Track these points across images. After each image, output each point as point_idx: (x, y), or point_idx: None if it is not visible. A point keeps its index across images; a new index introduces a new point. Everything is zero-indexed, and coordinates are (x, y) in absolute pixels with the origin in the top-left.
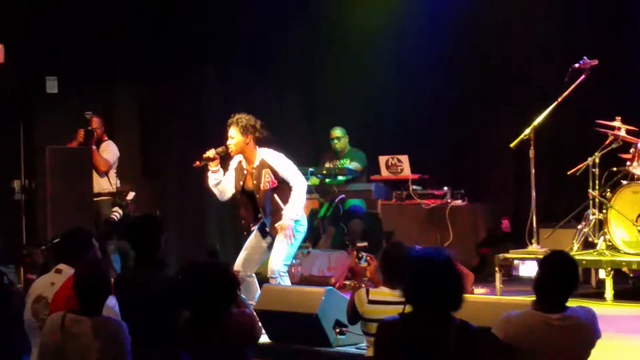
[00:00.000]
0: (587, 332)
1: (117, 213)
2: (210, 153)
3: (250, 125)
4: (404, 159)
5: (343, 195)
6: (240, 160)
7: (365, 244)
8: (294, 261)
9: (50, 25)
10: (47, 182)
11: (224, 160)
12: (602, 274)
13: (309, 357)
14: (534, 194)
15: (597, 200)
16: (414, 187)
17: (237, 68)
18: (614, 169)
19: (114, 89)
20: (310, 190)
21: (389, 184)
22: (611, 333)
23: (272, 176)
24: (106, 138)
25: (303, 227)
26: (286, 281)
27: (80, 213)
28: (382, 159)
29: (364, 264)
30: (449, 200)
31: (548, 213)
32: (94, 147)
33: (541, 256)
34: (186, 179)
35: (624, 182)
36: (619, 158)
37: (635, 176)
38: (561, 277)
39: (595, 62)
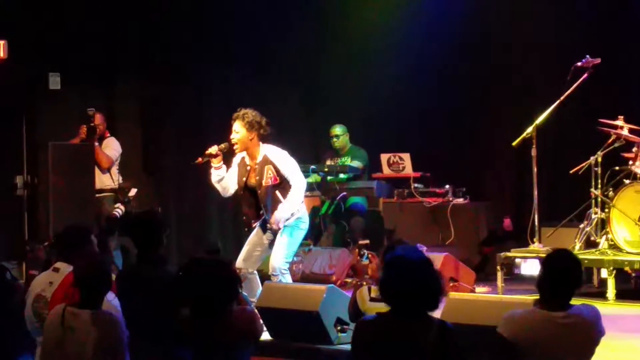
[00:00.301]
0: (591, 330)
1: (119, 209)
2: (213, 149)
3: (255, 121)
4: (406, 156)
5: (344, 193)
6: (244, 157)
7: (367, 241)
8: (295, 258)
9: (53, 21)
10: (50, 178)
11: (227, 156)
12: (604, 273)
13: (310, 355)
14: (536, 192)
15: (599, 199)
16: (416, 185)
17: (238, 65)
18: (617, 168)
19: (116, 86)
20: (311, 187)
21: (390, 182)
22: (613, 333)
23: (274, 173)
24: (108, 134)
25: (305, 225)
26: (287, 278)
27: (82, 209)
28: (384, 157)
29: (365, 261)
30: (451, 199)
31: (550, 212)
32: (96, 144)
33: (543, 255)
34: (188, 176)
35: (627, 181)
36: (622, 157)
37: (638, 175)
38: (565, 276)
39: (598, 60)
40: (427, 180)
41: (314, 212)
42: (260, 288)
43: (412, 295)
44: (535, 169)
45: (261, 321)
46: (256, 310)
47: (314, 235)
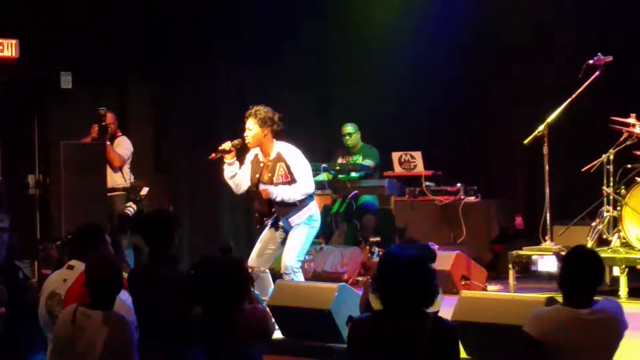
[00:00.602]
0: (616, 325)
1: (131, 208)
2: (227, 145)
3: (268, 118)
4: (417, 155)
5: (356, 192)
6: (257, 154)
7: (377, 239)
8: (307, 257)
9: (64, 20)
10: (62, 177)
11: (240, 152)
12: (616, 271)
13: (321, 353)
14: (547, 190)
15: (611, 197)
16: (427, 183)
17: (250, 64)
18: (629, 166)
19: (127, 85)
20: (323, 186)
21: (402, 180)
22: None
23: (286, 170)
24: (120, 133)
25: (317, 223)
26: (299, 277)
27: (94, 208)
28: (395, 155)
29: (376, 259)
30: (462, 197)
31: (562, 210)
32: (108, 143)
33: (556, 252)
34: (199, 175)
35: (639, 179)
36: (634, 155)
37: None
38: (587, 273)
39: (610, 58)
40: (438, 179)
41: (325, 211)
42: (272, 286)
43: (404, 291)
44: (546, 167)
45: (273, 320)
46: (268, 309)
47: (325, 233)
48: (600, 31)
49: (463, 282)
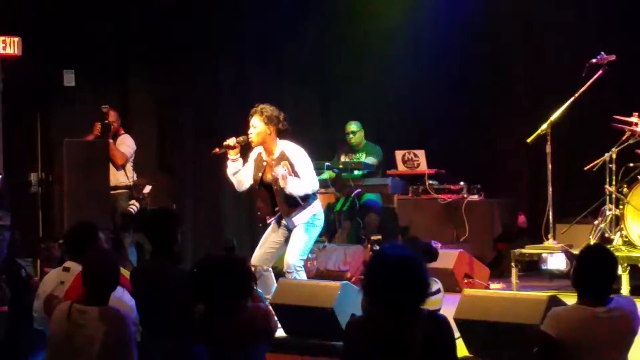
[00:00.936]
0: (632, 321)
1: (134, 206)
2: (231, 141)
3: (274, 116)
4: (421, 153)
5: (359, 190)
6: (260, 152)
7: (379, 237)
8: (310, 255)
9: (67, 18)
10: (64, 175)
11: (244, 150)
12: (618, 269)
13: (324, 352)
14: (550, 189)
15: (613, 195)
16: (430, 181)
17: (253, 62)
18: (631, 164)
19: (130, 83)
20: (326, 184)
21: (405, 179)
22: None
23: (290, 169)
24: (123, 131)
25: (320, 222)
26: (302, 275)
27: (97, 206)
28: (399, 154)
29: None
30: (466, 195)
31: (564, 208)
32: (111, 141)
33: (564, 250)
34: (202, 173)
35: None
36: (636, 154)
37: None
38: (603, 271)
39: (613, 57)
40: (441, 177)
41: (328, 209)
42: (275, 285)
43: (391, 291)
44: (549, 166)
45: (275, 318)
46: (270, 307)
47: (328, 232)
48: (603, 30)
49: (466, 281)
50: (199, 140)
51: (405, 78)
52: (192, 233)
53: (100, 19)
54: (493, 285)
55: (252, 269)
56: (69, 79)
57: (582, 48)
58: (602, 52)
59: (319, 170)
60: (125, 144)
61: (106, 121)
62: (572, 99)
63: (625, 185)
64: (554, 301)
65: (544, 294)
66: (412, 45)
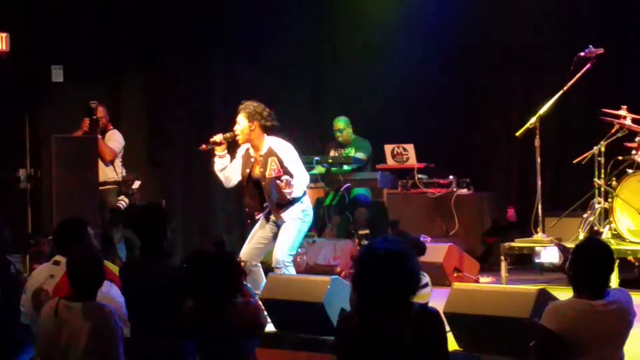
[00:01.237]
0: (628, 314)
1: (123, 202)
2: (218, 137)
3: (256, 112)
4: (410, 147)
5: (349, 184)
6: (248, 148)
7: (367, 231)
8: (299, 250)
9: (55, 13)
10: (53, 171)
11: (232, 147)
12: (615, 262)
13: (314, 346)
14: (539, 182)
15: (602, 189)
16: (420, 175)
17: (243, 56)
18: (620, 157)
19: (119, 78)
20: (315, 179)
21: (394, 173)
22: None
23: (278, 165)
24: (111, 127)
25: (309, 218)
26: (291, 271)
27: (86, 202)
28: (388, 148)
29: None
30: (455, 189)
31: (553, 202)
32: (99, 136)
33: (557, 243)
34: (192, 168)
35: (630, 170)
36: (625, 147)
37: None
38: (600, 264)
39: (601, 50)
40: (431, 171)
41: (318, 204)
42: (264, 280)
43: (379, 285)
44: (538, 159)
45: (265, 313)
46: (260, 302)
47: (318, 226)
48: (591, 23)
49: (455, 274)
50: (188, 135)
51: (394, 72)
52: (181, 229)
53: (89, 14)
54: (482, 279)
55: (242, 264)
56: (57, 74)
57: (571, 42)
58: (590, 46)
59: (308, 165)
60: (114, 140)
61: (95, 117)
62: (561, 92)
63: (614, 179)
64: (544, 295)
65: (533, 288)
66: (401, 40)
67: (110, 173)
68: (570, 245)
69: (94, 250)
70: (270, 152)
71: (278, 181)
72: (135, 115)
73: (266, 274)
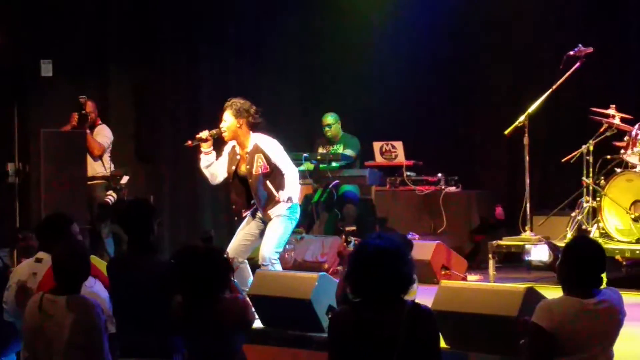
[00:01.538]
0: (618, 314)
1: (111, 197)
2: (204, 134)
3: (243, 109)
4: (399, 145)
5: (337, 181)
6: (234, 145)
7: (353, 228)
8: (287, 246)
9: (45, 8)
10: (41, 165)
11: (218, 144)
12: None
13: (301, 343)
14: (527, 181)
15: (591, 188)
16: (408, 173)
17: (232, 52)
18: (608, 156)
19: (108, 73)
20: (304, 175)
21: (383, 170)
22: None
23: (265, 161)
24: (100, 122)
25: (296, 215)
26: (278, 268)
27: (74, 196)
28: (377, 145)
29: (352, 248)
30: (443, 187)
31: (542, 200)
32: (88, 131)
33: (547, 241)
34: (180, 164)
35: (618, 170)
36: (613, 146)
37: (629, 164)
38: (592, 263)
39: (590, 49)
40: (419, 169)
41: (306, 200)
42: (251, 277)
43: (374, 281)
44: (527, 158)
45: (253, 309)
46: (248, 299)
47: (306, 223)
48: (581, 21)
49: (443, 272)
50: (176, 131)
51: (383, 70)
52: (169, 224)
53: (79, 9)
54: (470, 277)
55: (230, 260)
56: (46, 69)
57: (560, 40)
58: (580, 45)
59: (297, 161)
60: (103, 135)
61: (83, 111)
62: (550, 91)
63: (602, 178)
64: (532, 293)
65: (521, 286)
66: (390, 37)
67: (98, 168)
68: (560, 244)
69: (79, 243)
70: (257, 149)
71: (279, 199)
72: (124, 110)
73: (253, 270)
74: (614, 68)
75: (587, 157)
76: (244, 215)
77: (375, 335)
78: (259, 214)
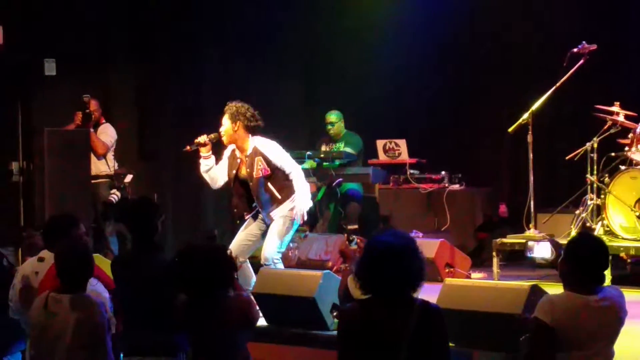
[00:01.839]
0: (620, 311)
1: (115, 195)
2: (202, 138)
3: (239, 113)
4: (402, 142)
5: (340, 179)
6: (234, 149)
7: (355, 226)
8: (291, 245)
9: (48, 7)
10: (45, 164)
11: (218, 148)
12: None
13: (306, 341)
14: (531, 178)
15: (595, 185)
16: (412, 171)
17: (235, 51)
18: (613, 154)
19: (112, 72)
20: (307, 173)
21: (386, 168)
22: None
23: (265, 164)
24: (104, 120)
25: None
26: (280, 267)
27: (78, 195)
28: (380, 143)
29: (354, 246)
30: (447, 185)
31: (546, 198)
32: (92, 130)
33: (550, 239)
34: (184, 162)
35: (622, 167)
36: (618, 143)
37: (634, 161)
38: (595, 260)
39: (594, 46)
40: (423, 167)
41: None
42: (254, 277)
43: (385, 278)
44: (531, 155)
45: (257, 307)
46: (252, 297)
47: (309, 221)
48: (585, 19)
49: (447, 270)
50: (180, 130)
51: (387, 68)
52: (173, 222)
53: (82, 7)
54: (474, 275)
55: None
56: (50, 68)
57: (563, 38)
58: (584, 42)
59: (300, 159)
60: (107, 133)
61: (87, 110)
62: (554, 88)
63: (606, 175)
64: (536, 291)
65: (525, 284)
66: (394, 36)
67: (102, 167)
68: (563, 241)
69: (82, 242)
70: (256, 152)
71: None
72: (127, 109)
73: (255, 270)
74: (618, 65)
75: (592, 155)
76: (246, 218)
77: (384, 333)
78: (260, 215)
